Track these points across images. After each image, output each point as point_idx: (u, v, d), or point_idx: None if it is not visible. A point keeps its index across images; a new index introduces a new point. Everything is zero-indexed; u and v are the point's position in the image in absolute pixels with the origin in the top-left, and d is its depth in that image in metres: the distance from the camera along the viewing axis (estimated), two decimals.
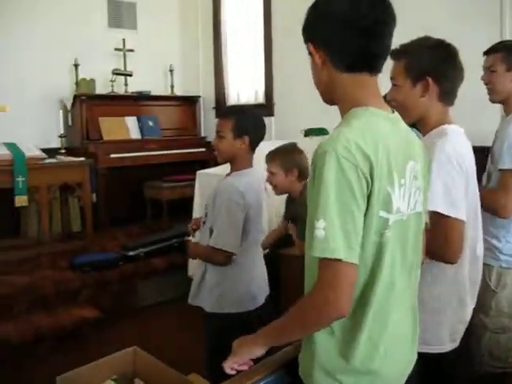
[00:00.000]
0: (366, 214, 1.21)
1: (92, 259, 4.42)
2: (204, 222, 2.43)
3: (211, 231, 2.34)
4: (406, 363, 1.42)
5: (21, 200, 4.52)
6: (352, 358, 1.28)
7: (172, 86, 6.81)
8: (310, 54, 1.33)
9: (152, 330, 3.90)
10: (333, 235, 1.16)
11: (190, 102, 6.79)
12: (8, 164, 4.43)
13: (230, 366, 1.43)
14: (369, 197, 1.20)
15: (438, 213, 1.68)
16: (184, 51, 7.09)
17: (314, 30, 1.31)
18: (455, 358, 1.87)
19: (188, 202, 4.67)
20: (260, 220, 2.45)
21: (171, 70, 6.79)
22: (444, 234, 1.69)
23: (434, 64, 1.79)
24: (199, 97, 6.85)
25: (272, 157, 2.99)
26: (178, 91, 6.93)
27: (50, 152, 5.10)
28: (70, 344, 3.77)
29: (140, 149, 5.95)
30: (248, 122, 2.35)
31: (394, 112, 1.37)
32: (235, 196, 2.27)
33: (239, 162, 2.38)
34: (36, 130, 5.71)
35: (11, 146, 4.57)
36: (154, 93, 6.56)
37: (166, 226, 5.50)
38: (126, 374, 2.10)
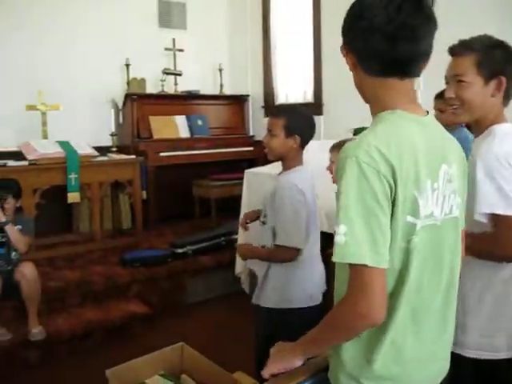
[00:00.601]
0: (391, 220, 1.19)
1: (141, 256, 4.49)
2: (264, 222, 2.44)
3: (273, 231, 2.35)
4: (436, 369, 1.38)
5: (73, 197, 4.63)
6: (375, 362, 1.26)
7: (221, 85, 6.85)
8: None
9: (199, 327, 3.94)
10: (355, 240, 1.14)
11: (238, 101, 6.82)
12: (61, 162, 4.54)
13: (268, 374, 1.43)
14: (393, 202, 1.18)
15: (497, 214, 1.63)
16: (233, 50, 7.12)
17: (346, 34, 1.31)
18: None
19: (236, 200, 4.69)
20: (316, 218, 2.46)
21: (220, 70, 6.83)
22: (506, 235, 1.64)
23: (506, 63, 1.73)
24: (248, 96, 6.88)
25: (337, 147, 2.98)
26: (227, 90, 6.96)
27: (102, 150, 5.20)
28: (118, 338, 3.85)
29: (189, 147, 6.01)
30: (299, 121, 2.36)
31: (427, 114, 1.33)
32: (296, 193, 2.28)
33: (291, 160, 2.39)
34: (88, 129, 5.85)
35: (64, 144, 4.67)
36: (203, 92, 6.61)
37: (214, 224, 5.53)
38: (173, 369, 2.12)
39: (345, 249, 1.15)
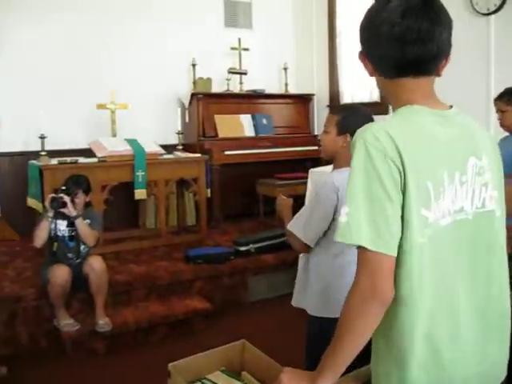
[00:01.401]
0: (404, 210, 1.16)
1: (205, 253, 4.54)
2: None
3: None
4: (483, 373, 1.30)
5: (140, 193, 4.74)
6: (408, 368, 1.22)
7: (286, 85, 6.84)
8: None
9: (260, 325, 3.95)
10: (355, 222, 1.15)
11: (303, 100, 6.80)
12: (129, 159, 4.65)
13: None
14: (404, 191, 1.16)
15: None
16: (298, 49, 7.11)
17: (362, 42, 1.36)
18: None
19: (300, 199, 4.67)
20: None
21: (285, 69, 6.83)
22: None
23: None
24: (313, 95, 6.85)
25: None
26: (292, 89, 6.95)
27: (168, 148, 5.31)
28: (180, 333, 3.92)
29: (254, 146, 6.05)
30: (354, 120, 2.20)
31: (451, 108, 1.33)
32: (328, 189, 2.21)
33: (341, 160, 2.27)
34: (155, 127, 5.98)
35: (132, 142, 4.79)
36: (269, 91, 6.63)
37: (277, 222, 5.53)
38: (234, 366, 2.14)
39: (345, 229, 1.16)
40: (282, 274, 4.60)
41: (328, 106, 6.68)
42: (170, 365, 2.00)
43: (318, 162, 6.06)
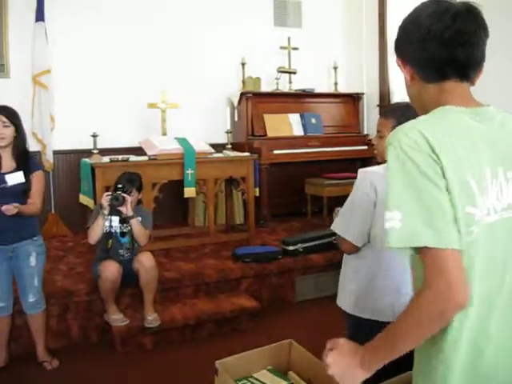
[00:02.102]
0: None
1: (253, 251, 4.55)
2: None
3: None
4: None
5: (189, 191, 4.77)
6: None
7: (335, 84, 6.79)
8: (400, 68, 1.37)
9: (307, 325, 3.92)
10: (409, 223, 1.10)
11: (353, 100, 6.74)
12: (179, 157, 4.70)
13: None
14: (447, 187, 1.11)
15: None
16: (348, 48, 7.03)
17: (402, 46, 1.35)
18: None
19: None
20: None
21: (335, 67, 6.78)
22: None
23: None
24: (363, 94, 6.77)
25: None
26: (342, 88, 6.89)
27: (217, 147, 5.34)
28: (227, 330, 3.94)
29: (302, 145, 6.03)
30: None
31: (488, 106, 1.29)
32: (365, 186, 2.19)
33: None
34: (205, 126, 6.03)
35: (182, 141, 4.83)
36: (318, 90, 6.59)
37: (325, 222, 5.50)
38: (281, 365, 2.13)
39: (400, 234, 1.10)
40: (329, 275, 4.56)
41: (378, 105, 6.58)
42: (218, 362, 2.00)
43: (368, 161, 6.00)
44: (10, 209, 2.97)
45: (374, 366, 1.22)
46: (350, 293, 2.28)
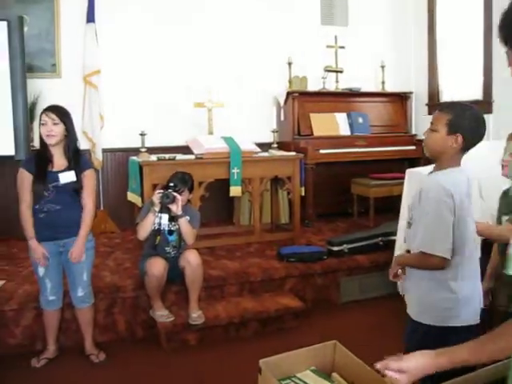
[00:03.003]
0: None
1: (298, 251, 4.53)
2: (410, 224, 2.26)
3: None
4: None
5: (235, 190, 4.79)
6: None
7: (383, 82, 6.70)
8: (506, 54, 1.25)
9: (351, 327, 3.89)
10: None
11: (401, 99, 6.64)
12: (225, 156, 4.72)
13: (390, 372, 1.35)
14: None
15: None
16: (396, 46, 6.91)
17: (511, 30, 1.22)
18: None
19: (396, 200, 4.57)
20: (465, 227, 2.16)
21: (382, 66, 6.68)
22: None
23: None
24: (411, 93, 6.67)
25: None
26: (389, 87, 6.79)
27: (264, 146, 5.33)
28: (271, 330, 3.93)
29: (349, 145, 5.98)
30: (466, 119, 2.11)
31: None
32: (442, 195, 2.08)
33: (446, 160, 2.16)
34: (251, 125, 6.04)
35: (229, 140, 4.85)
36: (365, 89, 6.52)
37: (371, 223, 5.45)
38: (325, 366, 2.12)
39: None
40: (375, 276, 4.51)
41: (427, 104, 6.47)
42: (261, 361, 2.01)
43: (415, 162, 5.91)
44: (81, 254, 3.27)
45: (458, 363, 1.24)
46: (413, 299, 2.25)
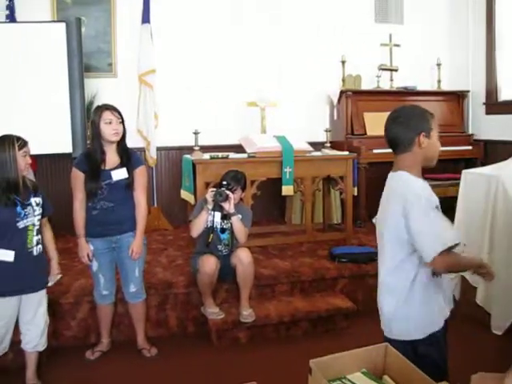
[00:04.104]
0: None
1: (350, 251, 4.49)
2: None
3: None
4: None
5: (287, 189, 4.78)
6: None
7: (439, 81, 6.56)
8: None
9: None
10: None
11: (457, 98, 6.49)
12: (278, 155, 4.71)
13: None
14: None
15: None
16: (453, 43, 6.75)
17: None
18: None
19: (450, 202, 4.46)
20: None
21: (438, 64, 6.54)
22: None
23: None
24: (468, 92, 6.50)
25: None
26: (445, 86, 6.64)
27: (316, 145, 5.31)
28: (322, 330, 3.91)
29: None
30: None
31: None
32: None
33: None
34: (304, 124, 6.02)
35: (281, 139, 4.84)
36: (420, 88, 6.40)
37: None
38: (376, 369, 2.08)
39: None
40: None
41: (484, 103, 6.30)
42: (312, 361, 1.99)
43: (471, 162, 5.77)
44: (140, 252, 3.35)
45: None
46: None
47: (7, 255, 2.87)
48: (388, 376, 2.07)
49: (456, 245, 2.04)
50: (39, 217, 3.00)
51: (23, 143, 2.92)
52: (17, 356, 3.20)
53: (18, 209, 2.88)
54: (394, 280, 2.16)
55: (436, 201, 2.12)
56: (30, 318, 3.02)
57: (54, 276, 3.14)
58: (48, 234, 3.14)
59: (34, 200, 2.97)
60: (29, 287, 2.97)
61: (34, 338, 3.06)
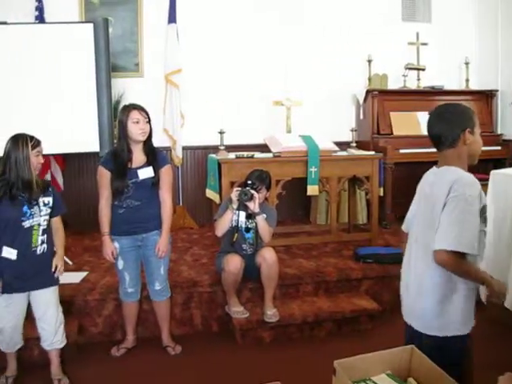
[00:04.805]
0: None
1: (375, 252, 4.45)
2: None
3: None
4: None
5: (312, 189, 4.76)
6: None
7: (467, 80, 6.48)
8: None
9: None
10: None
11: (486, 97, 6.40)
12: (303, 155, 4.70)
13: None
14: None
15: None
16: (481, 42, 6.65)
17: None
18: None
19: None
20: None
21: (466, 63, 6.46)
22: None
23: None
24: (497, 91, 6.40)
25: None
26: (474, 85, 6.55)
27: (342, 145, 5.28)
28: (346, 331, 3.89)
29: (430, 145, 5.78)
30: None
31: None
32: None
33: None
34: (329, 124, 5.99)
35: (307, 139, 4.82)
36: (448, 87, 6.32)
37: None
38: (401, 371, 2.07)
39: None
40: None
41: None
42: (336, 362, 1.98)
43: (500, 163, 5.69)
44: (166, 250, 3.38)
45: None
46: None
47: (11, 253, 2.91)
48: (413, 379, 2.05)
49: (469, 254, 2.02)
50: (46, 217, 3.02)
51: (36, 143, 2.96)
52: (43, 352, 3.24)
53: (25, 208, 2.91)
54: (438, 274, 2.11)
55: (483, 201, 2.09)
56: (40, 316, 3.07)
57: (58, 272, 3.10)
58: (59, 232, 3.15)
59: (43, 200, 2.99)
60: (31, 285, 3.00)
61: (49, 337, 3.11)
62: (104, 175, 3.30)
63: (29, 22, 5.15)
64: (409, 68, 6.15)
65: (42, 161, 3.02)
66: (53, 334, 3.10)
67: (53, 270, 3.06)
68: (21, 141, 2.89)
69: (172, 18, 5.60)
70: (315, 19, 6.13)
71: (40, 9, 5.37)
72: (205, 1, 5.88)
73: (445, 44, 6.47)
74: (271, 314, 3.72)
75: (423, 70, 6.22)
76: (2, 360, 3.23)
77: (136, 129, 3.24)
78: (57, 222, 3.14)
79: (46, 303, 3.06)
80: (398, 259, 4.28)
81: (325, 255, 4.65)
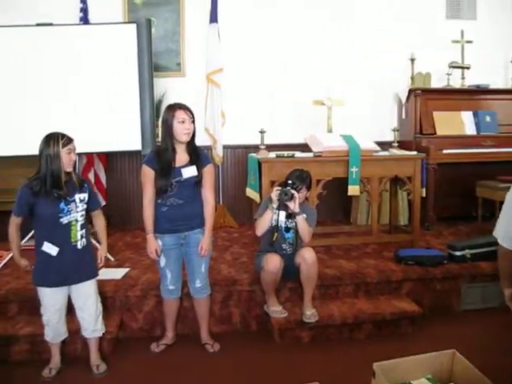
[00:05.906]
0: None
1: (416, 254, 4.39)
2: None
3: None
4: None
5: (353, 189, 4.72)
6: None
7: None
8: None
9: (471, 337, 3.70)
10: None
11: None
12: (344, 155, 4.66)
13: None
14: None
15: None
16: None
17: None
18: None
19: None
20: None
21: None
22: None
23: None
24: None
25: None
26: None
27: (383, 145, 5.22)
28: (386, 333, 3.84)
29: (475, 145, 5.69)
30: None
31: None
32: None
33: None
34: (371, 123, 5.95)
35: (348, 138, 4.79)
36: (493, 86, 6.18)
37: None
38: (442, 375, 2.04)
39: None
40: (498, 285, 4.25)
41: None
42: (375, 364, 1.97)
43: None
44: (208, 249, 3.43)
45: None
46: None
47: (51, 249, 3.04)
48: (454, 383, 2.02)
49: None
50: (83, 212, 3.13)
51: (67, 140, 3.04)
52: (85, 346, 3.36)
53: (62, 205, 3.02)
54: None
55: None
56: (80, 306, 3.20)
57: (99, 263, 3.29)
58: (100, 223, 3.32)
59: (79, 196, 3.10)
60: (72, 279, 3.13)
61: (89, 325, 3.25)
62: (148, 174, 3.34)
63: (73, 23, 5.27)
64: (453, 66, 6.04)
65: (74, 158, 3.10)
66: (92, 323, 3.24)
67: (98, 261, 3.25)
68: (52, 139, 3.00)
69: (213, 18, 5.64)
70: (358, 18, 6.09)
71: (84, 10, 5.51)
72: (246, 0, 5.90)
73: (490, 42, 6.32)
74: (310, 314, 3.71)
75: (468, 68, 6.09)
76: (46, 352, 3.35)
77: (181, 128, 3.27)
78: (97, 215, 3.30)
79: (86, 294, 3.20)
80: (440, 262, 4.27)
81: (365, 256, 4.61)
